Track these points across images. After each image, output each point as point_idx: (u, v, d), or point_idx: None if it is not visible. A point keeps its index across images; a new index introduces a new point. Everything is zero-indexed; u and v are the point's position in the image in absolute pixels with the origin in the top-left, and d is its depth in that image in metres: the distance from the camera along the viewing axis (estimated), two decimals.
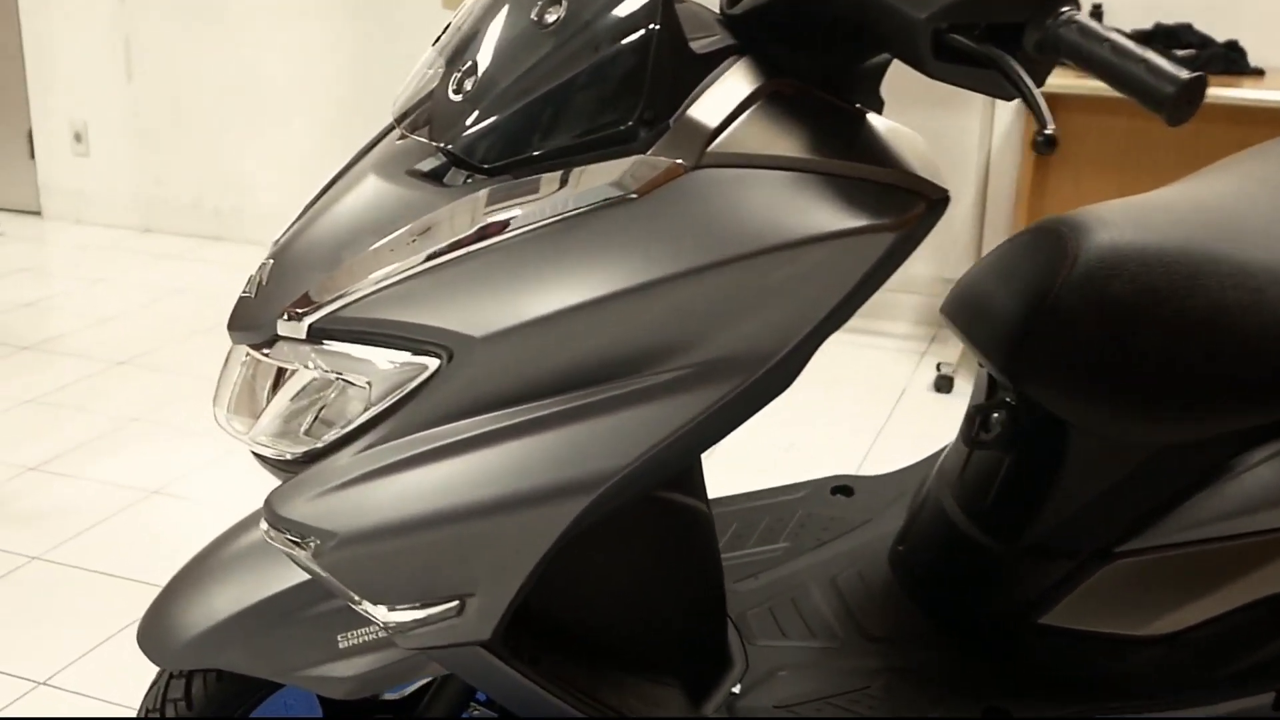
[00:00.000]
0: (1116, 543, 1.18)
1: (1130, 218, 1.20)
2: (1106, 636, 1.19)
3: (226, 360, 1.05)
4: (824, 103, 1.03)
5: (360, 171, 1.05)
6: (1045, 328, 1.16)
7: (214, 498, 2.58)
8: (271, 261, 1.02)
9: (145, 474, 2.68)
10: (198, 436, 2.84)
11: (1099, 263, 1.15)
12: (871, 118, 1.06)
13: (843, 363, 3.32)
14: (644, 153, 0.94)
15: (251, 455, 1.03)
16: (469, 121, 0.97)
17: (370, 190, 1.01)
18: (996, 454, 1.26)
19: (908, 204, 0.99)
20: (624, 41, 0.93)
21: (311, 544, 0.93)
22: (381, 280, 0.94)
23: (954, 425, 1.39)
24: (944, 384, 3.22)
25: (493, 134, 0.96)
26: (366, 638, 1.07)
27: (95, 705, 1.88)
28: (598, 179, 0.93)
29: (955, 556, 1.29)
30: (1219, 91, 2.94)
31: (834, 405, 3.07)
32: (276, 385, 0.99)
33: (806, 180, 0.96)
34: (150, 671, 1.25)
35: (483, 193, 0.95)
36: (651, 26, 0.93)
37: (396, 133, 1.07)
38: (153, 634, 1.16)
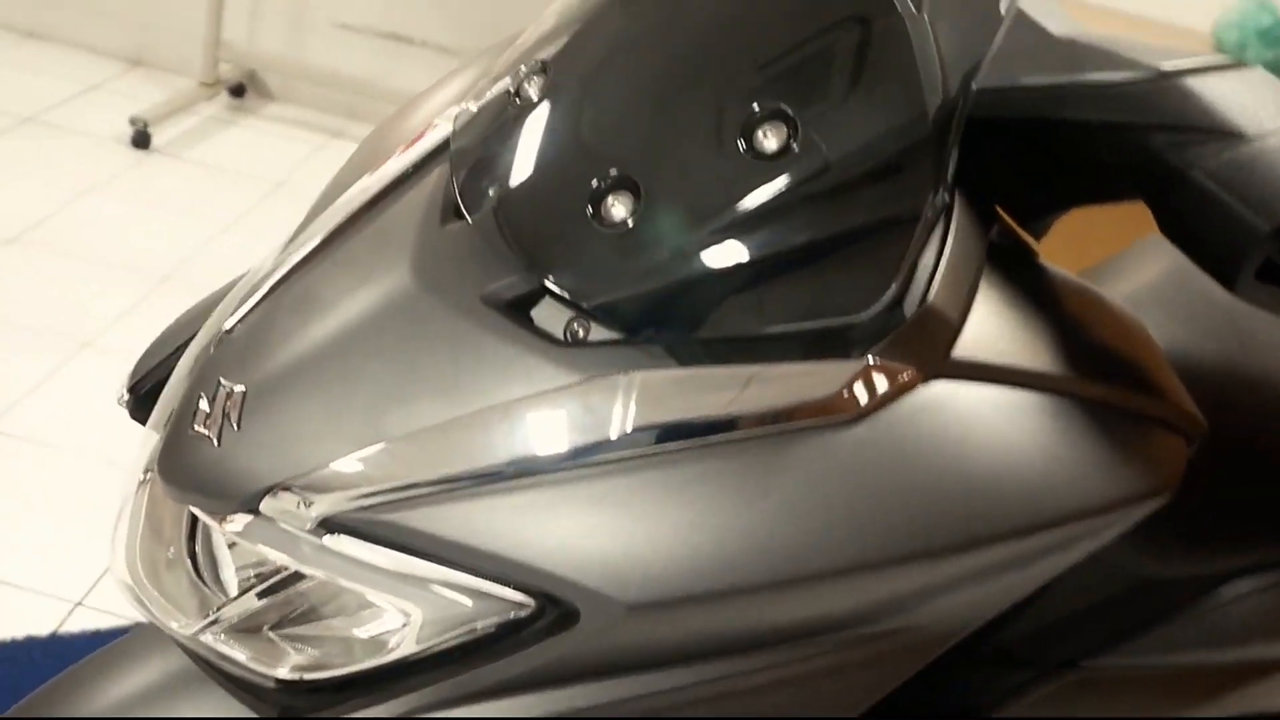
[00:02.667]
0: (1084, 656, 1.14)
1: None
2: None
3: (135, 496, 0.70)
4: (1045, 269, 0.78)
5: (389, 270, 0.66)
6: None
7: None
8: (244, 391, 0.63)
9: None
10: None
11: None
12: (1098, 292, 0.81)
13: None
14: (867, 354, 0.62)
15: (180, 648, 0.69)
16: (627, 273, 0.62)
17: (420, 316, 0.64)
18: None
19: (1172, 449, 0.74)
20: (893, 212, 0.62)
21: None
22: (455, 479, 0.60)
23: None
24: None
25: (661, 298, 0.62)
26: None
27: None
28: (806, 387, 0.61)
29: None
30: None
31: None
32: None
33: (1058, 409, 0.69)
34: None
35: (635, 378, 0.60)
36: (940, 197, 0.62)
37: (433, 191, 0.69)
38: None
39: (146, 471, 0.70)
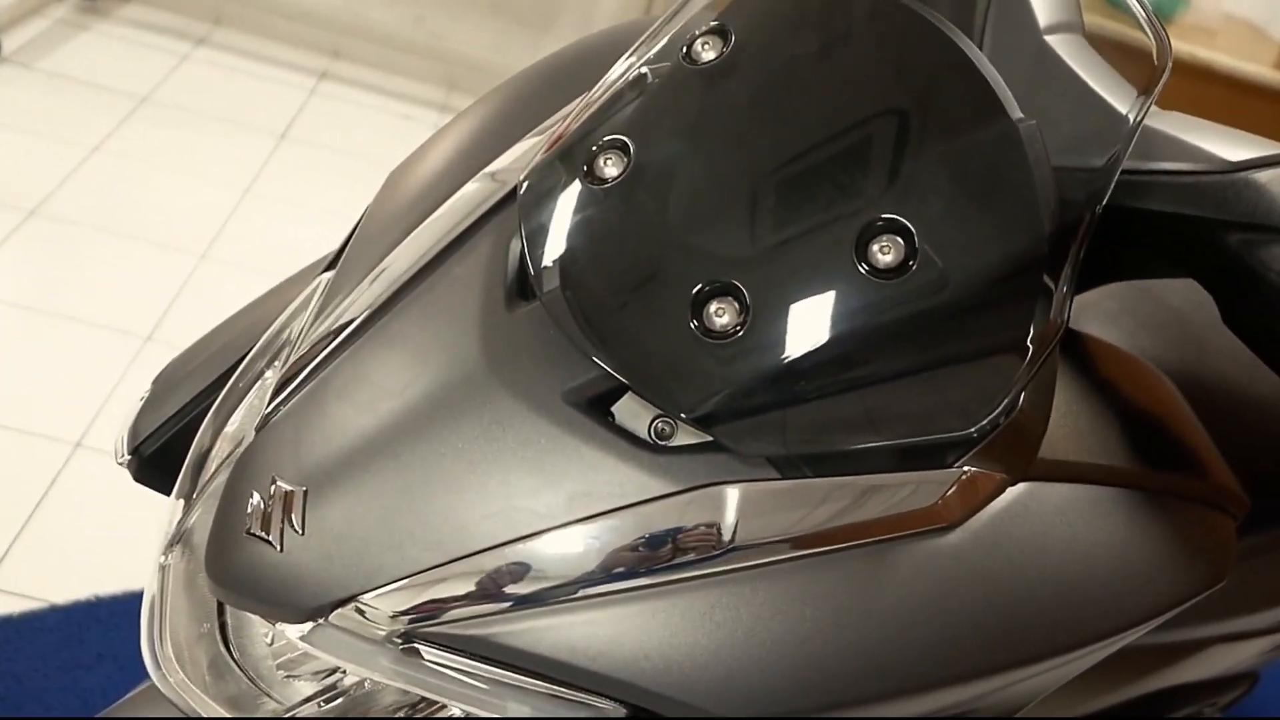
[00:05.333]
0: None
1: None
2: None
3: (161, 574, 0.67)
4: (1080, 337, 0.77)
5: (454, 356, 0.61)
6: None
7: None
8: (304, 491, 0.59)
9: None
10: None
11: None
12: (1130, 355, 0.81)
13: None
14: (961, 461, 0.60)
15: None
16: (729, 384, 0.58)
17: (498, 414, 0.59)
18: None
19: (1224, 533, 0.75)
20: (1009, 336, 0.59)
21: None
22: (546, 593, 0.57)
23: None
24: None
25: (762, 410, 0.58)
26: None
27: None
28: (904, 498, 0.60)
29: None
30: None
31: None
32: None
33: (1128, 504, 0.69)
34: None
35: (737, 492, 0.58)
36: (1061, 319, 0.59)
37: (490, 263, 0.65)
38: None
39: (173, 547, 0.67)
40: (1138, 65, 0.62)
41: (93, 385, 1.93)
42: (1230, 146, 0.61)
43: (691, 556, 0.57)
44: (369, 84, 3.11)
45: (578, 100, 0.69)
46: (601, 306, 0.59)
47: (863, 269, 0.57)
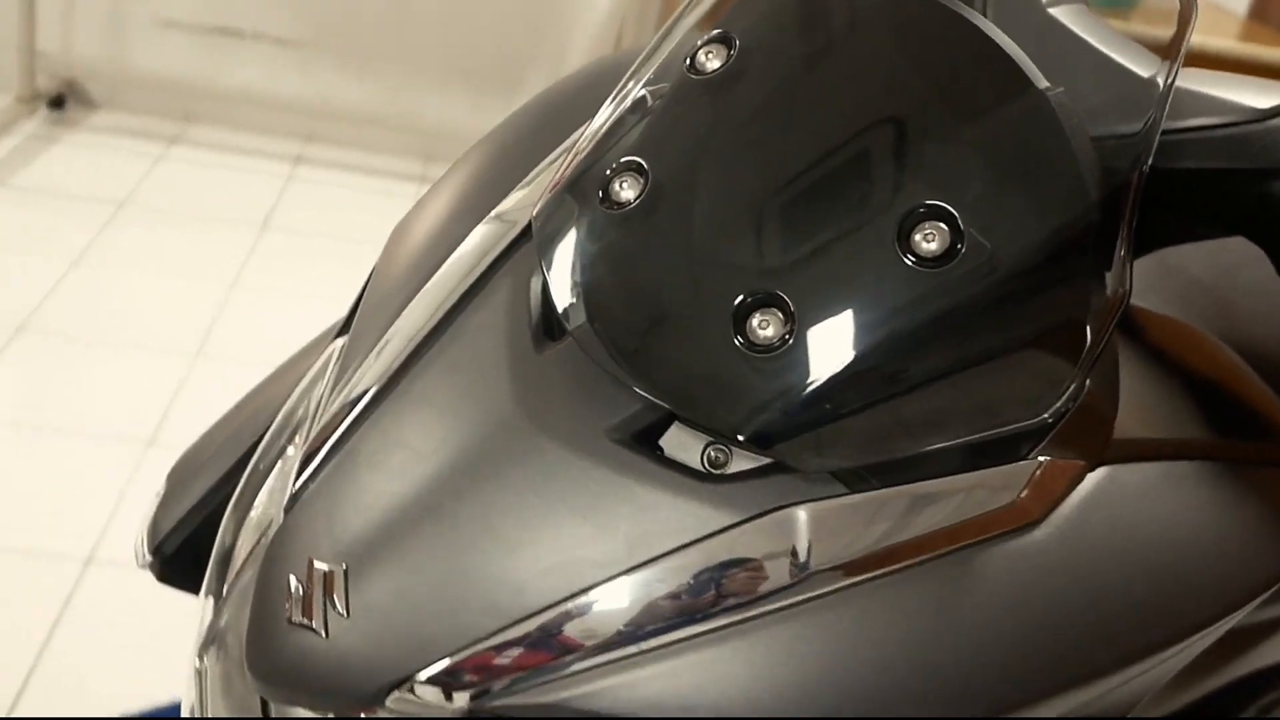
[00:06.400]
0: None
1: None
2: None
3: (198, 679, 0.63)
4: (1135, 310, 0.74)
5: (486, 408, 0.58)
6: None
7: None
8: (345, 570, 0.55)
9: None
10: None
11: None
12: (1188, 325, 0.77)
13: None
14: (1035, 452, 0.57)
15: None
16: (783, 399, 0.54)
17: (541, 462, 0.56)
18: None
19: None
20: (1071, 310, 0.56)
21: None
22: (614, 648, 0.53)
23: None
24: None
25: (820, 422, 0.54)
26: None
27: None
28: (982, 497, 0.56)
29: None
30: None
31: None
32: None
33: (1212, 476, 0.65)
34: None
35: (803, 513, 0.54)
36: (1125, 285, 0.56)
37: (511, 306, 0.61)
38: None
39: (207, 648, 0.64)
40: (1150, 24, 0.60)
41: (98, 498, 1.88)
42: (1258, 95, 0.59)
43: (766, 588, 0.53)
44: (345, 164, 3.09)
45: (578, 132, 0.66)
46: (636, 334, 0.56)
47: (909, 260, 0.54)
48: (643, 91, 0.63)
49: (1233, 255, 1.05)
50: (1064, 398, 0.55)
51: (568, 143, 0.68)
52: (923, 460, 0.55)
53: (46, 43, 2.99)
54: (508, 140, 0.74)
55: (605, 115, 0.63)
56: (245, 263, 2.59)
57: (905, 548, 0.55)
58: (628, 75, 0.65)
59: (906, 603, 0.55)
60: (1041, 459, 0.57)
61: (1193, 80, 0.61)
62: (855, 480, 0.55)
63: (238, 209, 2.80)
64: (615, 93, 0.64)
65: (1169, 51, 0.59)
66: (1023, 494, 0.57)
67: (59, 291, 2.37)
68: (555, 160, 0.68)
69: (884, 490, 0.55)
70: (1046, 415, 0.55)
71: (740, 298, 0.54)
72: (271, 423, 0.69)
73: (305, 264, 2.64)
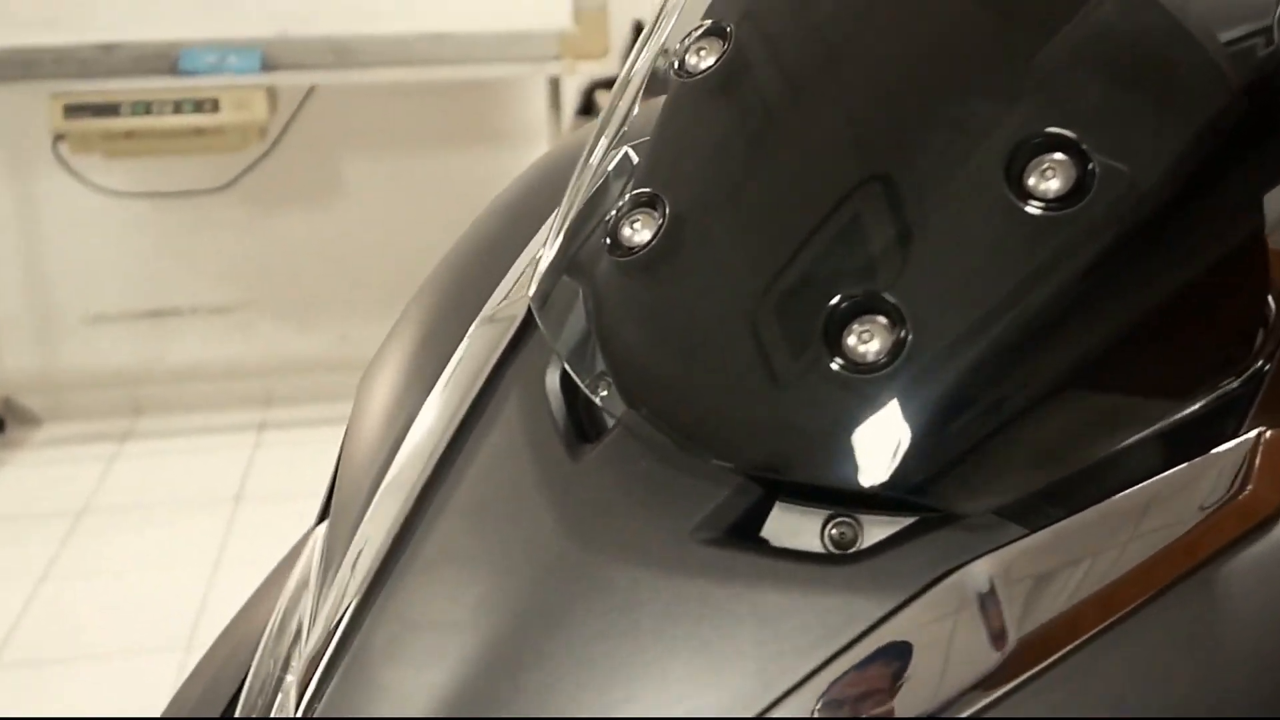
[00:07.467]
0: None
1: None
2: None
3: None
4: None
5: (535, 548, 0.45)
6: None
7: None
8: None
9: None
10: None
11: None
12: None
13: None
14: (1246, 426, 0.46)
15: None
16: (914, 430, 0.43)
17: (615, 597, 0.43)
18: None
19: None
20: (1239, 234, 0.46)
21: None
22: None
23: None
24: None
25: (970, 449, 0.43)
26: None
27: None
28: (1199, 497, 0.45)
29: None
30: None
31: None
32: None
33: None
34: None
35: (983, 569, 0.42)
36: None
37: (526, 417, 0.50)
38: None
39: None
40: None
41: None
42: None
43: (965, 680, 0.41)
44: (310, 419, 2.95)
45: (556, 210, 0.56)
46: (700, 401, 0.45)
47: (1032, 209, 0.42)
48: (628, 127, 0.54)
49: None
50: (1264, 347, 0.45)
51: (547, 224, 0.58)
52: (1110, 468, 0.44)
53: None
54: (472, 250, 0.64)
55: (590, 168, 0.54)
56: (224, 543, 2.43)
57: (1130, 583, 0.42)
58: (599, 125, 0.56)
59: (1156, 655, 0.42)
60: (1254, 433, 0.45)
61: None
62: (1031, 515, 0.43)
63: (206, 490, 2.66)
64: (589, 147, 0.56)
65: None
66: (1249, 482, 0.45)
67: (28, 616, 2.20)
68: (537, 246, 0.57)
69: (1075, 517, 0.43)
70: (1244, 377, 0.45)
71: (825, 312, 0.43)
72: (250, 663, 0.55)
73: (288, 527, 2.43)
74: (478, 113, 2.91)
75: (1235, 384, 0.45)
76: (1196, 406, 0.45)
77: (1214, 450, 0.45)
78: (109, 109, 2.39)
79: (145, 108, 2.38)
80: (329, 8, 2.38)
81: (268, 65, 2.39)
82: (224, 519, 2.52)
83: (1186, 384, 0.45)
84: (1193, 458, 0.45)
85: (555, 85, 2.65)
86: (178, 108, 2.38)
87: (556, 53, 2.50)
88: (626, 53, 2.78)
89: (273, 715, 0.48)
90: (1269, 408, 0.46)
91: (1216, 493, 0.45)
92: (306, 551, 0.55)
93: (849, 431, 0.42)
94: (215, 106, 2.38)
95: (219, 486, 2.66)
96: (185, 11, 2.35)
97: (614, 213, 0.49)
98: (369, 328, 3.04)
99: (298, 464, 2.76)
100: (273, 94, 2.49)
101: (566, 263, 0.51)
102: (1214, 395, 0.45)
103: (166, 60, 2.38)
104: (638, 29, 2.70)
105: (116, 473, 2.74)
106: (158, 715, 0.58)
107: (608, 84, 2.57)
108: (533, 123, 2.84)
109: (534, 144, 2.81)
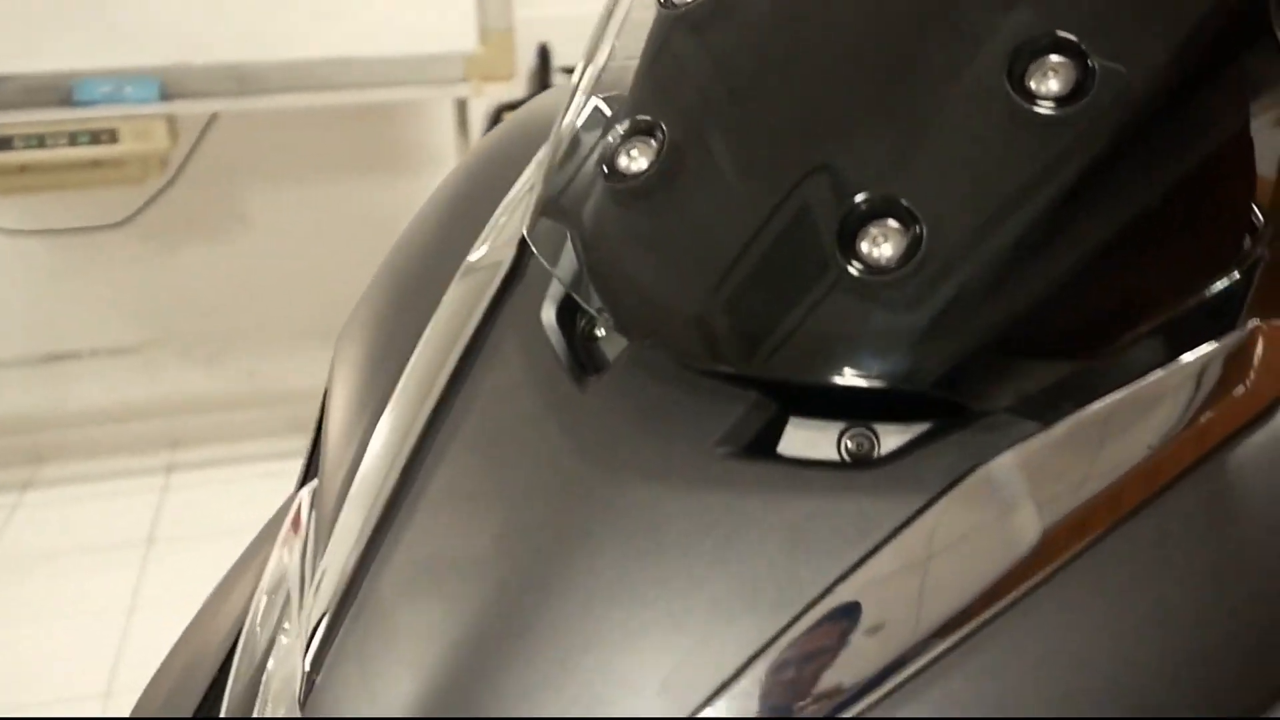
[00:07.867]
0: None
1: None
2: None
3: None
4: None
5: (544, 473, 0.45)
6: None
7: None
8: None
9: None
10: None
11: None
12: None
13: None
14: (1243, 316, 0.47)
15: None
16: (930, 331, 0.43)
17: (640, 520, 0.43)
18: None
19: None
20: (1238, 121, 0.47)
21: None
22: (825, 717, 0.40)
23: None
24: None
25: (984, 348, 0.44)
26: None
27: None
28: (1207, 389, 0.46)
29: None
30: None
31: None
32: None
33: None
34: None
35: (1001, 466, 0.43)
36: None
37: (527, 352, 0.50)
38: None
39: None
40: None
41: None
42: None
43: (999, 566, 0.41)
44: (219, 458, 2.87)
45: (542, 150, 0.56)
46: (715, 316, 0.45)
47: (1038, 108, 0.44)
48: (613, 64, 0.54)
49: None
50: (1264, 235, 0.47)
51: (530, 169, 0.59)
52: (1112, 365, 0.45)
53: None
54: (446, 205, 0.64)
55: (575, 105, 0.54)
56: (137, 587, 2.35)
57: (1150, 469, 0.44)
58: (580, 69, 0.56)
59: (1162, 548, 0.43)
60: (1251, 324, 0.47)
61: None
62: (1045, 410, 0.44)
63: (115, 535, 2.56)
64: (573, 88, 0.55)
65: None
66: (1249, 371, 0.47)
67: None
68: (520, 190, 0.58)
69: (1086, 410, 0.44)
70: (1248, 262, 0.47)
71: (838, 219, 0.44)
72: (238, 633, 0.54)
73: (204, 568, 2.37)
74: (384, 138, 2.87)
75: (1232, 278, 0.47)
76: (1197, 299, 0.46)
77: (1212, 344, 0.46)
78: (0, 143, 2.31)
79: (39, 141, 2.30)
80: (229, 34, 2.33)
81: (167, 94, 2.32)
82: (135, 564, 2.43)
83: (1188, 277, 0.46)
84: (1189, 350, 0.46)
85: (462, 108, 2.62)
86: (73, 139, 2.30)
87: (462, 75, 2.48)
88: (533, 75, 2.80)
89: (269, 669, 0.47)
90: (1266, 297, 0.48)
91: (1219, 382, 0.46)
92: (292, 511, 0.54)
93: (872, 331, 0.43)
94: (113, 137, 2.31)
95: (128, 531, 2.57)
96: (79, 41, 2.28)
97: (610, 140, 0.49)
98: (278, 364, 2.96)
99: (209, 505, 2.69)
100: (173, 123, 2.42)
101: (565, 190, 0.50)
102: (1212, 289, 0.46)
103: (60, 91, 2.30)
104: (543, 52, 2.69)
105: (16, 523, 2.63)
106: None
107: (514, 106, 2.55)
108: (440, 147, 2.81)
109: (441, 168, 2.78)
